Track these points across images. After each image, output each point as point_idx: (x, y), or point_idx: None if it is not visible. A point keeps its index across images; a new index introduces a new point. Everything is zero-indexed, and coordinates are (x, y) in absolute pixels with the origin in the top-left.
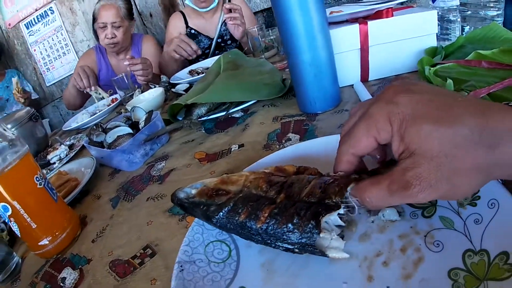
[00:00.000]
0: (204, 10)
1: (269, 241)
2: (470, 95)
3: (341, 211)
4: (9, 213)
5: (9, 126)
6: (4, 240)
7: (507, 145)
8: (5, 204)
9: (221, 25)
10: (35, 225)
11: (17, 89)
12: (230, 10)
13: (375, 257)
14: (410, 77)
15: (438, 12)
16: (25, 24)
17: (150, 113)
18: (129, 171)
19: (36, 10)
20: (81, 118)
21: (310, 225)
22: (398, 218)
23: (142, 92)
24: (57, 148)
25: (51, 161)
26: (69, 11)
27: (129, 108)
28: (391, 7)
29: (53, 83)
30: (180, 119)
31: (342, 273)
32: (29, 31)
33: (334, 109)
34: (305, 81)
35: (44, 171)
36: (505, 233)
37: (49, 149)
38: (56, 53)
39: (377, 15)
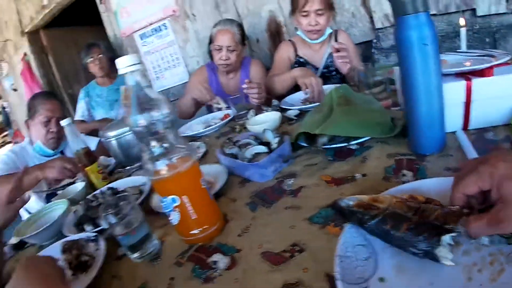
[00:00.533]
0: (314, 42)
1: (403, 246)
2: None
3: (454, 234)
4: (177, 204)
5: (126, 129)
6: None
7: None
8: (176, 196)
9: (328, 57)
10: (195, 217)
11: (125, 95)
12: (338, 50)
13: (472, 266)
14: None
15: None
16: (139, 35)
17: (282, 137)
18: (259, 182)
19: (151, 24)
20: (196, 128)
21: (434, 240)
22: (490, 244)
23: (256, 113)
24: None
25: None
26: (182, 28)
27: (250, 127)
28: (493, 66)
29: (162, 90)
30: (301, 144)
31: (451, 273)
32: (143, 42)
33: (440, 153)
34: (419, 127)
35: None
36: None
37: None
38: (167, 64)
39: (480, 72)
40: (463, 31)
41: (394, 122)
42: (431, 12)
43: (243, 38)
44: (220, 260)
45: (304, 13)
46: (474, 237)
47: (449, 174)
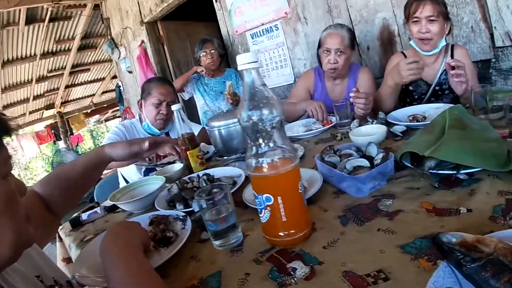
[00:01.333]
0: (427, 54)
1: None
2: None
3: None
4: (270, 203)
5: (235, 120)
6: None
7: None
8: (270, 196)
9: (441, 74)
10: (285, 219)
11: (228, 91)
12: (454, 67)
13: None
14: None
15: None
16: (250, 34)
17: (387, 153)
18: (354, 197)
19: (263, 24)
20: (297, 130)
21: None
22: None
23: (360, 123)
24: None
25: None
26: (292, 31)
27: (353, 137)
28: None
29: None
30: (405, 163)
31: None
32: (254, 41)
33: None
34: None
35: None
36: None
37: None
38: (275, 64)
39: None
40: None
41: (510, 155)
42: None
43: (353, 43)
44: (300, 268)
45: (415, 20)
46: None
47: None
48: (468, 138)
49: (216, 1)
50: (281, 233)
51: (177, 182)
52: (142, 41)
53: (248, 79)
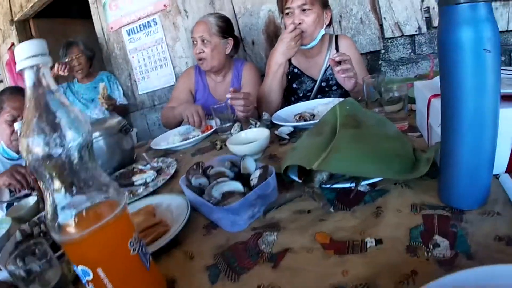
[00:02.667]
0: (304, 47)
1: None
2: None
3: None
4: (89, 278)
5: (96, 134)
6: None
7: None
8: (86, 268)
9: (327, 68)
10: None
11: (102, 94)
12: (339, 62)
13: None
14: None
15: None
16: (126, 30)
17: (265, 168)
18: (229, 232)
19: (140, 19)
20: (172, 140)
21: None
22: None
23: (242, 127)
24: (145, 172)
25: (135, 183)
26: (172, 25)
27: (230, 146)
28: None
29: (146, 92)
30: (292, 177)
31: None
32: (130, 38)
33: (482, 208)
34: (459, 173)
35: (127, 192)
36: None
37: (135, 169)
38: (154, 64)
39: None
40: None
41: (416, 154)
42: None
43: (225, 31)
44: None
45: (288, 11)
46: None
47: (502, 249)
48: (364, 139)
49: None
50: None
51: (28, 223)
52: (12, 44)
53: (29, 83)
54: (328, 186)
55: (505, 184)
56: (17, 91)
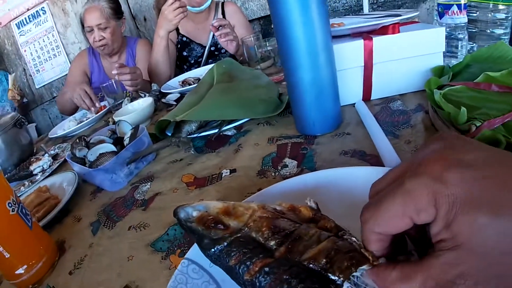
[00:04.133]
0: (196, 10)
1: None
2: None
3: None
4: None
5: None
6: None
7: None
8: None
9: (214, 34)
10: (9, 255)
11: (14, 86)
12: (218, 28)
13: None
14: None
15: (446, 28)
16: (16, 24)
17: (136, 128)
18: (112, 192)
19: (28, 9)
20: (68, 126)
21: None
22: None
23: (132, 100)
24: (41, 159)
25: (34, 172)
26: (62, 12)
27: (116, 119)
28: (398, 23)
29: (43, 85)
30: (169, 134)
31: None
32: (20, 31)
33: (334, 131)
34: (304, 102)
35: (26, 183)
36: None
37: (32, 159)
38: (47, 54)
39: (382, 30)
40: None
41: (282, 98)
42: None
43: (118, 11)
44: None
45: None
46: None
47: (346, 160)
48: (234, 90)
49: None
50: (19, 271)
51: None
52: None
53: None
54: (195, 135)
55: (359, 109)
56: None
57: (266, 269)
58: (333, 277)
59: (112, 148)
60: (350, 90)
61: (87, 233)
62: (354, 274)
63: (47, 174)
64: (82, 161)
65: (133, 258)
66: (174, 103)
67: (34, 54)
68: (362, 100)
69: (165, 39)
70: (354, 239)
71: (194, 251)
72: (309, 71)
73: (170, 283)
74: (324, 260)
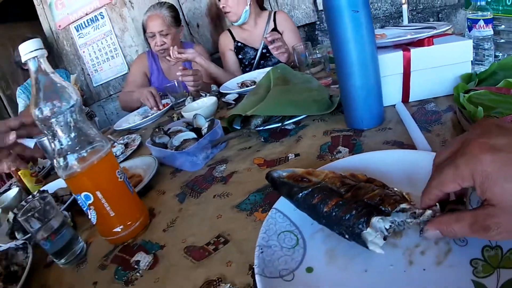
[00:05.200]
0: (236, 24)
1: (330, 225)
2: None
3: (389, 219)
4: (90, 201)
5: None
6: (70, 224)
7: None
8: (88, 193)
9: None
10: (113, 214)
11: (76, 85)
12: (271, 41)
13: (414, 247)
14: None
15: (473, 41)
16: (75, 27)
17: (212, 121)
18: (190, 172)
19: (87, 14)
20: (133, 120)
21: (362, 220)
22: None
23: (194, 99)
24: (114, 147)
25: None
26: (119, 17)
27: (185, 114)
28: (432, 36)
29: (100, 84)
30: (236, 127)
31: (389, 257)
32: (79, 34)
33: (378, 126)
34: (354, 102)
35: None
36: None
37: None
38: (105, 56)
39: (419, 42)
40: (404, 7)
41: (332, 99)
42: None
43: (177, 19)
44: (143, 259)
45: None
46: (446, 235)
47: (388, 148)
48: (291, 92)
49: None
50: (117, 229)
51: (14, 209)
52: None
53: (34, 68)
54: (261, 128)
55: (399, 109)
56: None
57: (340, 202)
58: (383, 209)
59: (193, 135)
60: (391, 93)
61: (174, 202)
62: (398, 207)
63: (122, 159)
64: (162, 146)
65: (221, 217)
66: (233, 102)
67: (92, 55)
68: (402, 102)
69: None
70: (396, 189)
71: (280, 203)
72: (359, 78)
73: (264, 224)
74: (377, 198)
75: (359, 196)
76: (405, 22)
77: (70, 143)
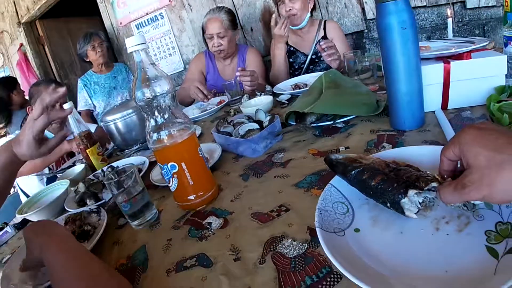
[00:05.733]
0: (296, 28)
1: (375, 196)
2: None
3: (421, 192)
4: (175, 170)
5: (130, 110)
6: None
7: None
8: (175, 163)
9: (316, 44)
10: (192, 183)
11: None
12: (324, 49)
13: (441, 218)
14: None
15: (508, 56)
16: (135, 25)
17: (273, 115)
18: (251, 158)
19: (147, 14)
20: (192, 113)
21: (402, 191)
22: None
23: (249, 98)
24: None
25: None
26: (178, 18)
27: (244, 109)
28: (470, 51)
29: None
30: (292, 123)
31: (420, 224)
32: (139, 31)
33: (419, 128)
34: (399, 106)
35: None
36: None
37: None
38: (163, 53)
39: (459, 56)
40: (449, 20)
41: (379, 103)
42: (421, 4)
43: (234, 23)
44: (214, 221)
45: (280, 1)
46: (445, 202)
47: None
48: (342, 94)
49: None
50: (190, 197)
51: (83, 181)
52: (21, 44)
53: (138, 59)
54: (315, 124)
55: (438, 114)
56: (51, 82)
57: (385, 178)
58: (418, 184)
59: (257, 126)
60: (432, 100)
61: (239, 180)
62: (429, 185)
63: None
64: (228, 134)
65: (282, 192)
66: (286, 102)
67: (151, 52)
68: (441, 108)
69: (283, 50)
70: (428, 172)
71: (335, 180)
72: (404, 85)
73: (321, 194)
74: (414, 177)
75: (399, 175)
76: (450, 35)
77: (164, 121)
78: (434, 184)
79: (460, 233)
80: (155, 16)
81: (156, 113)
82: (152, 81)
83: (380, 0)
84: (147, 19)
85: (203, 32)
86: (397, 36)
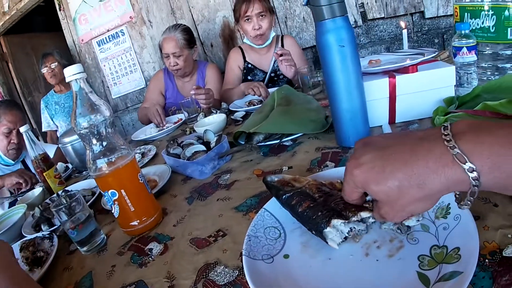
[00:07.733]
0: (260, 46)
1: (303, 222)
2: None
3: (352, 224)
4: (116, 197)
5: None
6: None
7: (432, 181)
8: (114, 191)
9: (275, 61)
10: (133, 209)
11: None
12: (281, 55)
13: (372, 242)
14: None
15: (457, 66)
16: (97, 42)
17: (220, 136)
18: (199, 179)
19: (108, 30)
20: (149, 132)
21: (324, 220)
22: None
23: (205, 115)
24: None
25: None
26: (139, 34)
27: (196, 129)
28: (416, 64)
29: (118, 96)
30: (241, 142)
31: (350, 249)
32: (100, 48)
33: None
34: (343, 122)
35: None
36: (460, 235)
37: None
38: (124, 70)
39: (405, 69)
40: (404, 32)
41: (328, 119)
42: (380, 16)
43: (190, 41)
44: (155, 247)
45: (247, 18)
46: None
47: None
48: (290, 112)
49: (60, 9)
50: (134, 222)
51: (39, 206)
52: None
53: (76, 88)
54: (262, 143)
55: (385, 130)
56: (12, 105)
57: (311, 205)
58: (345, 214)
59: (203, 148)
60: (379, 115)
61: (184, 204)
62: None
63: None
64: (176, 156)
65: (222, 215)
66: (241, 119)
67: (112, 69)
68: (388, 123)
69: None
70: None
71: (269, 205)
72: (346, 102)
73: (253, 219)
74: (342, 205)
75: (327, 202)
76: (405, 46)
77: (101, 149)
78: (364, 215)
79: (391, 259)
80: (116, 33)
81: (95, 141)
82: (91, 109)
83: (318, 18)
84: (108, 36)
85: (160, 51)
86: (336, 54)
